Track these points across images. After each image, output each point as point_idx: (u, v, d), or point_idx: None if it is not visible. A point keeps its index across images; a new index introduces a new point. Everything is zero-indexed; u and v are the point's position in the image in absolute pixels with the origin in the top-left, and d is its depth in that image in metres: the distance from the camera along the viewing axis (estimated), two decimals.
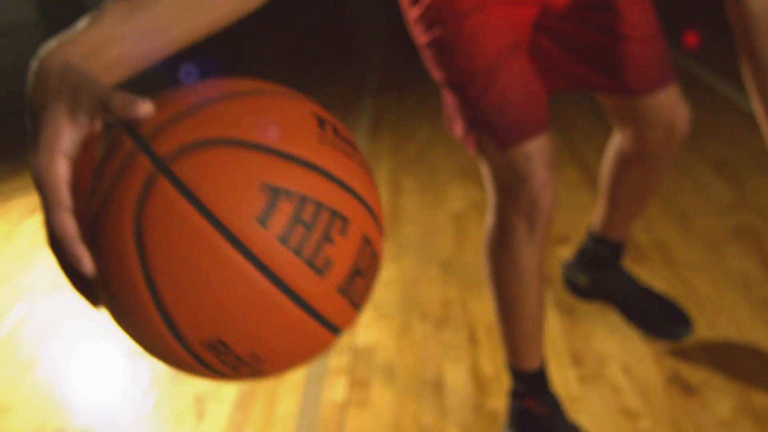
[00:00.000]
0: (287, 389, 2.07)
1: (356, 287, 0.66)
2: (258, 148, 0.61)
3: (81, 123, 0.66)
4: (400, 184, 3.40)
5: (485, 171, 1.47)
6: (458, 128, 1.47)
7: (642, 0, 1.48)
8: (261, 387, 2.10)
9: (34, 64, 0.71)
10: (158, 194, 0.60)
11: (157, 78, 6.20)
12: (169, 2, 0.74)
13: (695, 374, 1.83)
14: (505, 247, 1.50)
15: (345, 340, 2.25)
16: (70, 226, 0.64)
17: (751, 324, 1.96)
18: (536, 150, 1.42)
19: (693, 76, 4.11)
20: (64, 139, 0.66)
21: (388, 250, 2.77)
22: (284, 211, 0.61)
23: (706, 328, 1.99)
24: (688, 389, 1.79)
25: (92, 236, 0.64)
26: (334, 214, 0.63)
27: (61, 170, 0.66)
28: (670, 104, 1.56)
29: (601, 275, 1.99)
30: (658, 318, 1.93)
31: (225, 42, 7.35)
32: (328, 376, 2.09)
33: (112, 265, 0.62)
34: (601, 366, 1.93)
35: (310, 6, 8.73)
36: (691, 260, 2.32)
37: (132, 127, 0.65)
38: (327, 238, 0.62)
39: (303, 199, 0.61)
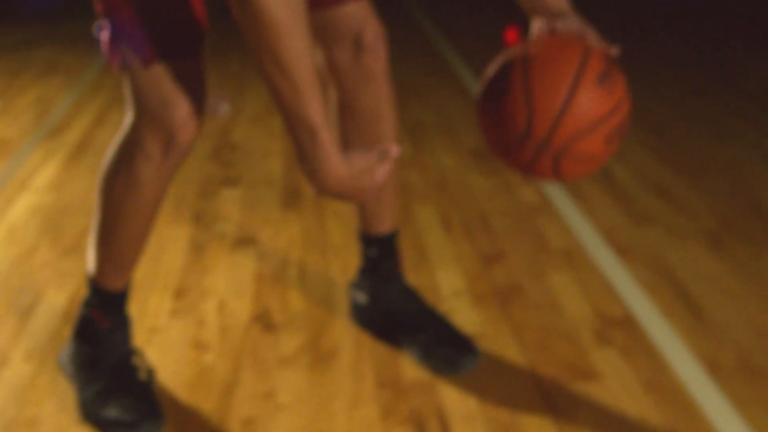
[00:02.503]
0: None
1: None
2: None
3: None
4: (107, 118, 3.23)
5: (127, 89, 1.36)
6: (105, 38, 1.35)
7: None
8: None
9: None
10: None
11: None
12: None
13: (283, 313, 1.81)
14: (130, 168, 1.39)
15: None
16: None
17: None
18: (185, 76, 1.33)
19: (429, 42, 4.18)
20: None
21: (55, 179, 2.61)
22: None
23: (341, 273, 1.98)
24: (268, 327, 1.76)
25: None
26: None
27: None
28: (359, 18, 1.50)
29: (379, 287, 1.70)
30: (436, 344, 1.62)
31: None
32: None
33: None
34: (200, 300, 1.88)
35: None
36: (339, 210, 2.32)
37: None
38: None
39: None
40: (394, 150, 1.21)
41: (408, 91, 3.43)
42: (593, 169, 1.16)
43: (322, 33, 1.53)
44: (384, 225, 1.69)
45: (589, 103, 1.10)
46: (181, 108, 1.34)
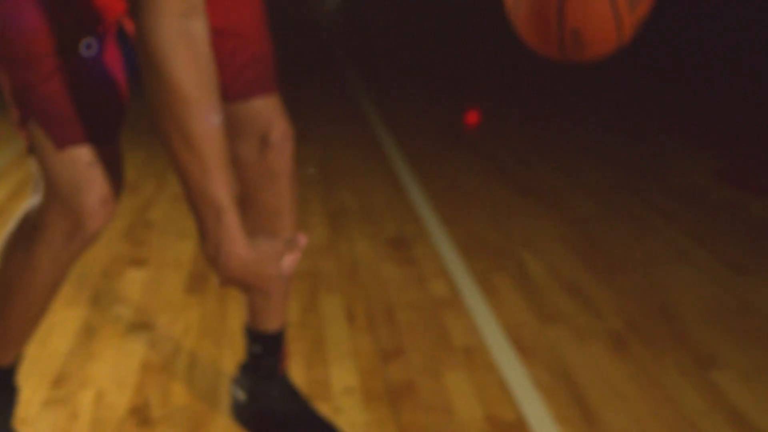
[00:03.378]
0: None
1: None
2: None
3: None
4: (27, 190, 3.17)
5: (36, 168, 1.29)
6: (15, 118, 1.30)
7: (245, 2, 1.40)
8: None
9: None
10: None
11: None
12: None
13: (163, 407, 1.73)
14: (28, 250, 1.33)
15: None
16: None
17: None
18: (101, 160, 1.27)
19: (368, 126, 4.19)
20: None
21: None
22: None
23: (232, 364, 1.91)
24: (144, 422, 1.68)
25: None
26: None
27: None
28: (267, 115, 1.45)
29: (258, 386, 1.63)
30: None
31: None
32: None
33: None
34: (78, 390, 1.79)
35: None
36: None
37: None
38: None
39: None
40: (302, 240, 1.17)
41: (337, 174, 3.41)
42: (598, 16, 1.16)
43: (228, 126, 1.48)
44: (271, 323, 1.62)
45: None
46: (92, 195, 1.27)
